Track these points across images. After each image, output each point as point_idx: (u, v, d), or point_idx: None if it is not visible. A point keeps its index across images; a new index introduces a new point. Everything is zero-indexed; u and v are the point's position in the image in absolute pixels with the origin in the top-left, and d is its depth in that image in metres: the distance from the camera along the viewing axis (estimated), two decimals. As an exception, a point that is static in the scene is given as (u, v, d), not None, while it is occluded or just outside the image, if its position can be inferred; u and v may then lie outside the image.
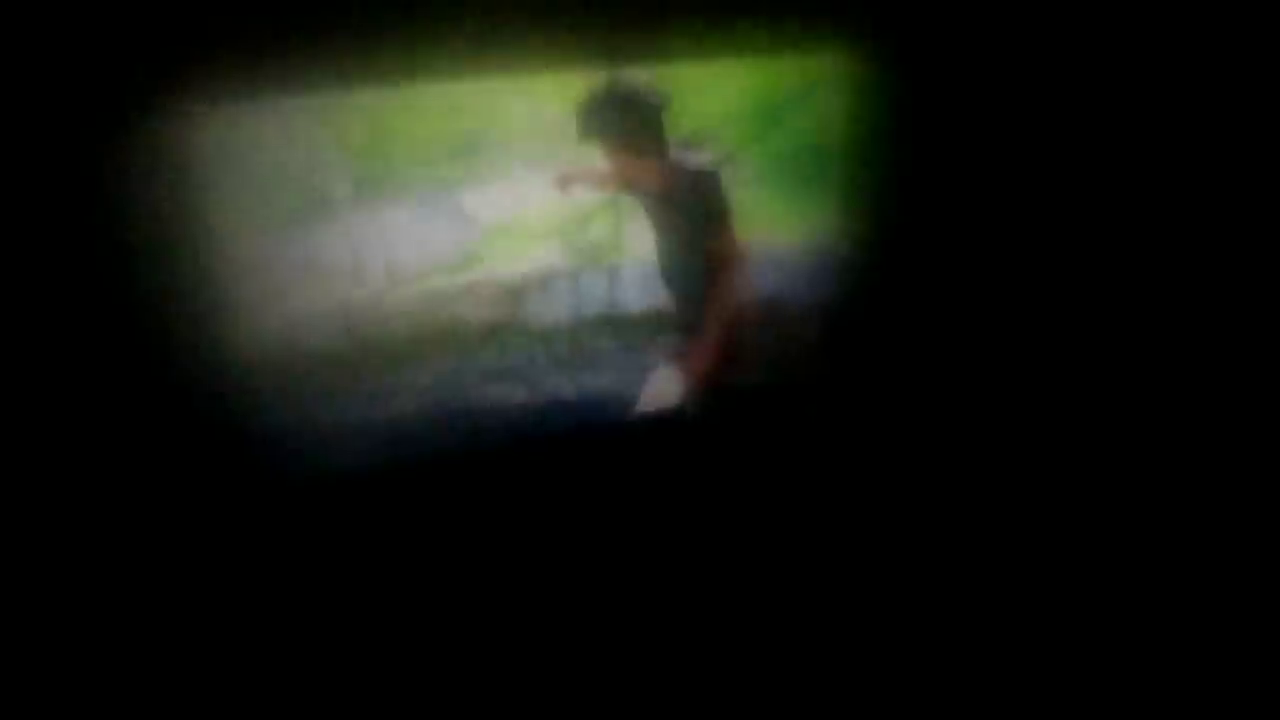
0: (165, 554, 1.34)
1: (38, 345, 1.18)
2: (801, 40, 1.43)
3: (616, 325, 1.52)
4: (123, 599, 1.33)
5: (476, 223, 1.37)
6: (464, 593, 1.56)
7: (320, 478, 1.40)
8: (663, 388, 1.58)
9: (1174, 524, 1.70)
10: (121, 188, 1.16)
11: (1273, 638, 1.50)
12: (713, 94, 1.40)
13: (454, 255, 1.37)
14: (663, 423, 1.62)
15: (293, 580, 1.44)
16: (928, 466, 1.87)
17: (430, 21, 1.25)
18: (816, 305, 1.66)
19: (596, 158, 1.41)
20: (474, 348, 1.44)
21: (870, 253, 1.66)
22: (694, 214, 1.48)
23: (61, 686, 1.30)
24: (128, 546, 1.31)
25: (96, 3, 1.06)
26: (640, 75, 1.37)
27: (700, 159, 1.45)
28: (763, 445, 1.75)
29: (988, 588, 1.70)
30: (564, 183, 1.41)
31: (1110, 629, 1.58)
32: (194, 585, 1.37)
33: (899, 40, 1.54)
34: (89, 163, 1.13)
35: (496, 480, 1.53)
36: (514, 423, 1.49)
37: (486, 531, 1.57)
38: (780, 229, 1.55)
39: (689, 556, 1.70)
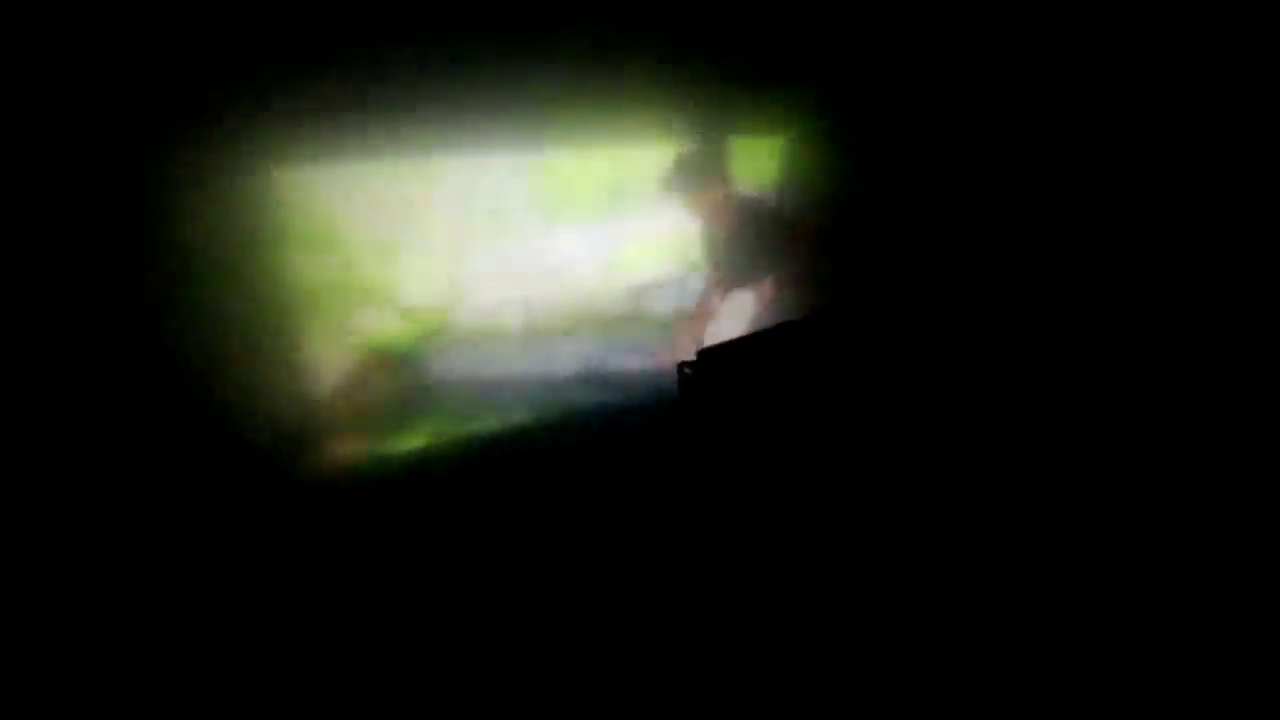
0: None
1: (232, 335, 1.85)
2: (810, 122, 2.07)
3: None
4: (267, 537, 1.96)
5: (616, 242, 2.00)
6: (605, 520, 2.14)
7: (498, 419, 2.03)
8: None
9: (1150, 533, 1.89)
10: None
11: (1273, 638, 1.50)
12: (764, 157, 2.03)
13: (600, 264, 1.99)
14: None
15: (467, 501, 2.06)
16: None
17: (586, 106, 1.91)
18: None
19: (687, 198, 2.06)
20: (611, 329, 2.05)
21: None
22: (755, 230, 2.10)
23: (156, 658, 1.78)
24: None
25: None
26: (708, 148, 2.03)
27: (757, 194, 2.07)
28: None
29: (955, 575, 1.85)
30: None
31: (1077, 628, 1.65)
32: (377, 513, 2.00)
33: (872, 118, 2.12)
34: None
35: (622, 429, 2.12)
36: (635, 384, 2.09)
37: (618, 465, 2.15)
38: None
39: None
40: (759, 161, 2.11)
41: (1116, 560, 1.75)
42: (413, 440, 1.96)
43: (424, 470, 1.98)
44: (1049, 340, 2.10)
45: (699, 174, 2.04)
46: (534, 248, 1.96)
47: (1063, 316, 2.10)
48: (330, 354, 1.86)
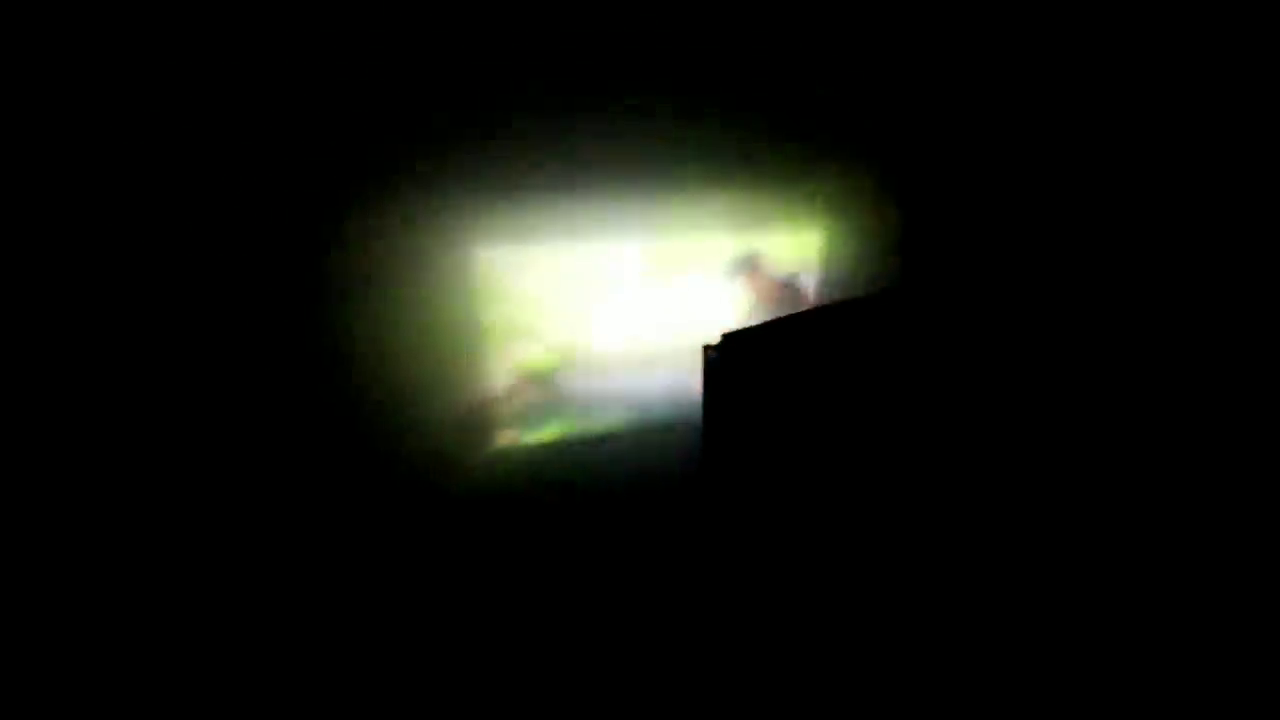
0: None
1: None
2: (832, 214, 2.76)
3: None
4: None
5: (691, 301, 2.81)
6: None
7: (606, 421, 2.87)
8: None
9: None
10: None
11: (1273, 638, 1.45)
12: (798, 248, 2.76)
13: (680, 316, 2.81)
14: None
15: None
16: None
17: (674, 206, 2.74)
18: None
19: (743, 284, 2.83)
20: (687, 363, 2.85)
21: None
22: (790, 302, 2.81)
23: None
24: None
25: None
26: (752, 244, 2.79)
27: (791, 275, 2.80)
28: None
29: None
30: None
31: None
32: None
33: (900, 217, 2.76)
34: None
35: (692, 430, 2.90)
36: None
37: (687, 456, 2.92)
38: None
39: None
40: (799, 247, 2.86)
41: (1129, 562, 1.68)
42: (548, 432, 2.85)
43: (555, 453, 2.87)
44: (1071, 339, 2.03)
45: (747, 265, 2.82)
46: (636, 303, 2.80)
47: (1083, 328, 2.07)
48: (497, 372, 2.78)
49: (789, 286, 2.89)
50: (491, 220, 2.62)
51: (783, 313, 2.90)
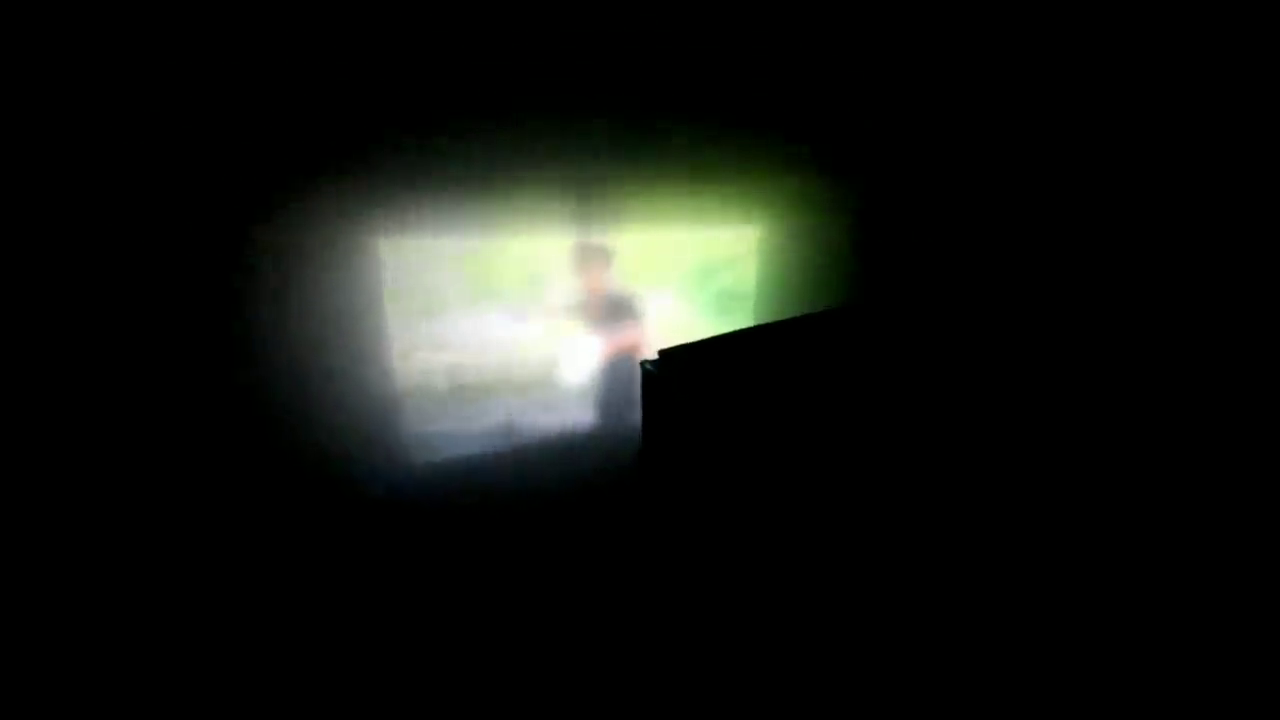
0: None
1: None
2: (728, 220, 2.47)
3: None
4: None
5: (529, 320, 2.39)
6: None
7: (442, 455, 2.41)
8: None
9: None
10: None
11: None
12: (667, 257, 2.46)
13: (516, 337, 2.38)
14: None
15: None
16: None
17: (506, 208, 2.30)
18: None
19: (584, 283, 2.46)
20: (525, 390, 2.44)
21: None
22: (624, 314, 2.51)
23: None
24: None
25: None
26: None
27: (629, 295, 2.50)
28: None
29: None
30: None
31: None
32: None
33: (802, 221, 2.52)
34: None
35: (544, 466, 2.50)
36: (549, 434, 2.48)
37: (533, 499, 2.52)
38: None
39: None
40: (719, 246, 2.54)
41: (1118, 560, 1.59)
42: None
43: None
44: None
45: (600, 256, 2.46)
46: (462, 323, 2.35)
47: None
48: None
49: (621, 306, 2.55)
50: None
51: (602, 329, 2.57)
